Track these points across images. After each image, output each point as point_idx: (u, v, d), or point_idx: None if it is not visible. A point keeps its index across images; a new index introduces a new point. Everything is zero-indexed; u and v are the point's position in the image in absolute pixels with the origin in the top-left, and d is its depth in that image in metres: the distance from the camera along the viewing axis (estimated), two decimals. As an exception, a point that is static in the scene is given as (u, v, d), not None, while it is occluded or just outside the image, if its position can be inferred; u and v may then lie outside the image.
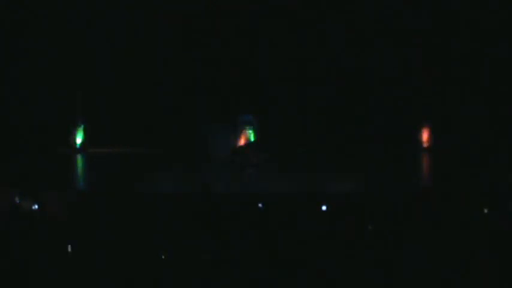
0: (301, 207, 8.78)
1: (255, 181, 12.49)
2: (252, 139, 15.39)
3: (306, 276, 6.29)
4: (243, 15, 16.80)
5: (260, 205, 8.72)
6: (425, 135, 16.66)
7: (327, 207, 8.55)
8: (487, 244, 6.83)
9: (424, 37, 16.60)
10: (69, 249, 6.98)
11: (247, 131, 15.86)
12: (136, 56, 17.39)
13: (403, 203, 9.02)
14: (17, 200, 8.85)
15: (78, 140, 17.30)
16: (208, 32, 17.06)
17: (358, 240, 7.18)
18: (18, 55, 16.97)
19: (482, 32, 16.08)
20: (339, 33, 16.91)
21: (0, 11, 16.42)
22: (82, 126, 17.37)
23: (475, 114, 16.15)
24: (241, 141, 14.83)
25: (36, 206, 8.81)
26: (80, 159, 16.32)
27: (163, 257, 6.53)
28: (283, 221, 8.00)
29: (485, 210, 8.13)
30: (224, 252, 6.78)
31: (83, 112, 17.57)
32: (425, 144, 16.65)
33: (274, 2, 16.79)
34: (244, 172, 13.41)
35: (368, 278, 6.25)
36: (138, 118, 17.71)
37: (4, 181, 11.39)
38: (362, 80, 17.18)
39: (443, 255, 6.58)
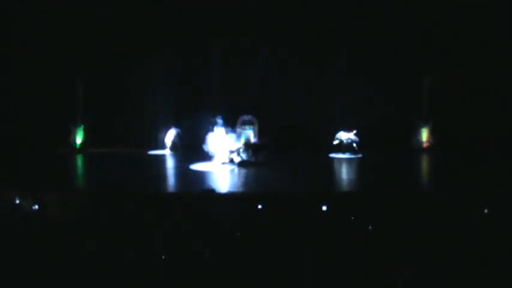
0: (301, 207, 8.79)
1: (255, 181, 12.50)
2: (252, 139, 15.39)
3: (306, 276, 6.29)
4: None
5: (260, 206, 8.72)
6: (425, 135, 16.66)
7: (327, 207, 8.55)
8: (487, 244, 6.83)
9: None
10: (69, 249, 6.98)
11: (247, 131, 15.89)
12: (135, 55, 17.43)
13: (403, 203, 9.03)
14: (17, 200, 8.86)
15: (78, 140, 17.32)
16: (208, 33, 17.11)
17: (358, 240, 7.18)
18: (18, 55, 16.99)
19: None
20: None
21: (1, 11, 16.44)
22: (82, 126, 17.40)
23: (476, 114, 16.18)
24: (241, 141, 14.84)
25: (36, 206, 8.82)
26: (80, 159, 16.33)
27: (163, 257, 6.53)
28: (283, 221, 8.01)
29: (486, 210, 8.12)
30: (224, 253, 6.78)
31: (82, 112, 17.62)
32: (425, 144, 16.66)
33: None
34: (243, 172, 13.42)
35: (367, 277, 6.25)
36: (138, 118, 17.76)
37: (4, 181, 11.40)
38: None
39: (442, 255, 6.59)
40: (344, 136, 15.70)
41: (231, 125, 14.98)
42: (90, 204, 9.63)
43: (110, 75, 17.43)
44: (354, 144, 15.62)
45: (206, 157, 14.51)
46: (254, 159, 14.22)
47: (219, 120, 14.77)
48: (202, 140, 14.75)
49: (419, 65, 16.68)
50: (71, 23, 16.85)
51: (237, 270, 6.41)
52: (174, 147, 17.03)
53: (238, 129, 15.59)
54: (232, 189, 11.40)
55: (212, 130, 14.68)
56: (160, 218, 8.22)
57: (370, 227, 7.61)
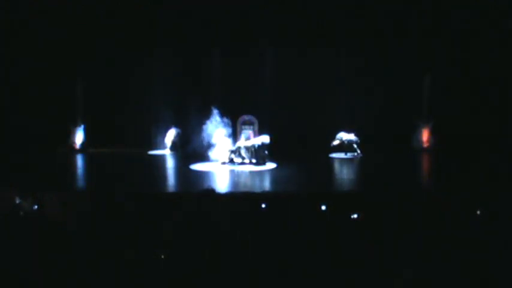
0: (301, 207, 8.79)
1: (255, 181, 12.50)
2: (252, 139, 15.39)
3: (307, 276, 6.30)
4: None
5: (263, 205, 8.71)
6: (425, 135, 16.67)
7: (327, 207, 8.56)
8: (487, 244, 6.83)
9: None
10: (69, 249, 6.98)
11: (247, 131, 15.91)
12: (135, 55, 17.44)
13: (403, 203, 9.03)
14: (17, 200, 8.85)
15: (78, 140, 17.33)
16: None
17: (357, 240, 7.18)
18: (19, 55, 16.98)
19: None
20: None
21: (1, 12, 16.44)
22: (82, 126, 17.41)
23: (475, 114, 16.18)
24: (241, 141, 14.85)
25: (36, 206, 8.80)
26: (80, 159, 16.33)
27: (163, 257, 6.53)
28: (283, 221, 8.00)
29: (478, 212, 8.07)
30: (224, 253, 6.78)
31: (82, 112, 17.63)
32: (425, 144, 16.66)
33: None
34: (244, 171, 13.43)
35: (367, 277, 6.25)
36: (138, 118, 17.77)
37: (4, 181, 11.39)
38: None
39: (442, 255, 6.59)
40: (345, 137, 15.72)
41: (230, 124, 15.00)
42: (90, 204, 9.62)
43: (110, 75, 17.43)
44: (355, 145, 15.65)
45: (204, 148, 14.56)
46: (254, 160, 14.22)
47: (216, 112, 14.78)
48: (201, 137, 14.81)
49: (419, 65, 16.69)
50: (71, 23, 16.85)
51: (237, 270, 6.41)
52: (174, 147, 17.05)
53: (238, 129, 15.65)
54: (232, 189, 11.40)
55: (211, 121, 14.72)
56: (160, 218, 8.21)
57: (369, 227, 7.61)
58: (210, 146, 14.58)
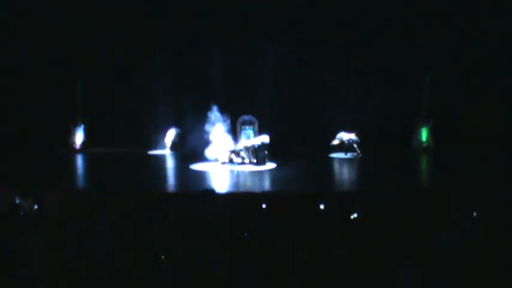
0: (301, 207, 8.80)
1: (256, 181, 12.51)
2: (252, 139, 15.39)
3: (307, 276, 6.30)
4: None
5: (264, 205, 8.72)
6: (425, 135, 16.67)
7: (326, 206, 8.57)
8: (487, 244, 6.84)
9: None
10: (69, 249, 6.99)
11: (247, 131, 15.91)
12: (135, 55, 17.44)
13: (403, 202, 9.03)
14: (17, 200, 8.85)
15: (78, 140, 17.33)
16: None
17: (356, 240, 7.19)
18: (19, 55, 16.97)
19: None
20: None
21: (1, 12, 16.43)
22: (82, 126, 17.42)
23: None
24: (242, 141, 14.85)
25: (36, 206, 8.81)
26: (80, 159, 16.34)
27: (162, 257, 6.53)
28: (282, 220, 8.01)
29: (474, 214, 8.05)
30: (224, 253, 6.78)
31: (82, 112, 17.63)
32: (425, 144, 16.66)
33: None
34: (245, 171, 13.43)
35: (367, 277, 6.26)
36: (138, 118, 17.76)
37: (4, 181, 11.40)
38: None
39: (442, 255, 6.59)
40: (345, 136, 15.73)
41: (229, 122, 15.00)
42: (90, 204, 9.63)
43: (110, 75, 17.42)
44: (355, 145, 15.65)
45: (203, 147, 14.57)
46: (254, 160, 14.22)
47: (216, 109, 14.77)
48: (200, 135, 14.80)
49: (419, 65, 16.68)
50: (71, 23, 16.84)
51: (237, 270, 6.42)
52: (174, 147, 17.05)
53: (238, 129, 15.66)
54: (232, 189, 11.40)
55: (210, 119, 14.72)
56: (160, 218, 8.21)
57: (369, 227, 7.61)
58: (208, 144, 14.58)
